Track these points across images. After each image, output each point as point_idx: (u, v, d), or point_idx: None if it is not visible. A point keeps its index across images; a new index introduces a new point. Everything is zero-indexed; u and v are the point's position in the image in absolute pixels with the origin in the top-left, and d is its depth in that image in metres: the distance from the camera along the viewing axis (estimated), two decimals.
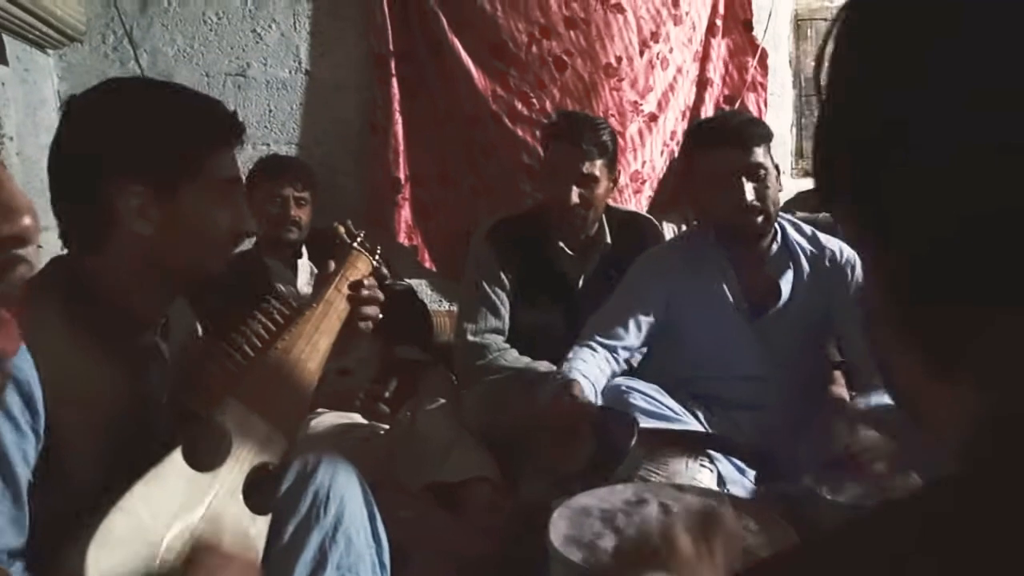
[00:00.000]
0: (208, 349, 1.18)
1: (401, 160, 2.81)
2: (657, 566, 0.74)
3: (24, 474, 0.92)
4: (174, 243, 1.09)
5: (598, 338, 1.89)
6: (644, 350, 2.02)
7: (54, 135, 1.11)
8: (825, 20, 3.17)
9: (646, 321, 1.93)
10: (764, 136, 1.84)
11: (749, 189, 1.81)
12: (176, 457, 1.01)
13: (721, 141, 1.85)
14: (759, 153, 1.81)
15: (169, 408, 1.10)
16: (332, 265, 1.40)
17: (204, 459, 1.03)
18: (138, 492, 0.95)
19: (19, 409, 0.92)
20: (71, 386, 0.98)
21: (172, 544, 0.95)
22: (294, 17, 2.82)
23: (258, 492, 1.08)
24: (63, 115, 1.12)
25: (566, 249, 2.21)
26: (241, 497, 1.06)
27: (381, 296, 1.40)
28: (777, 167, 1.87)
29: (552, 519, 1.12)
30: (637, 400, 1.77)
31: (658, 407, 1.79)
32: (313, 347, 1.26)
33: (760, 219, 1.84)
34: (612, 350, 1.88)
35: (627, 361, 1.95)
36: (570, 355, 1.84)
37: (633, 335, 1.91)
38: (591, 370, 1.78)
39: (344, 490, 1.16)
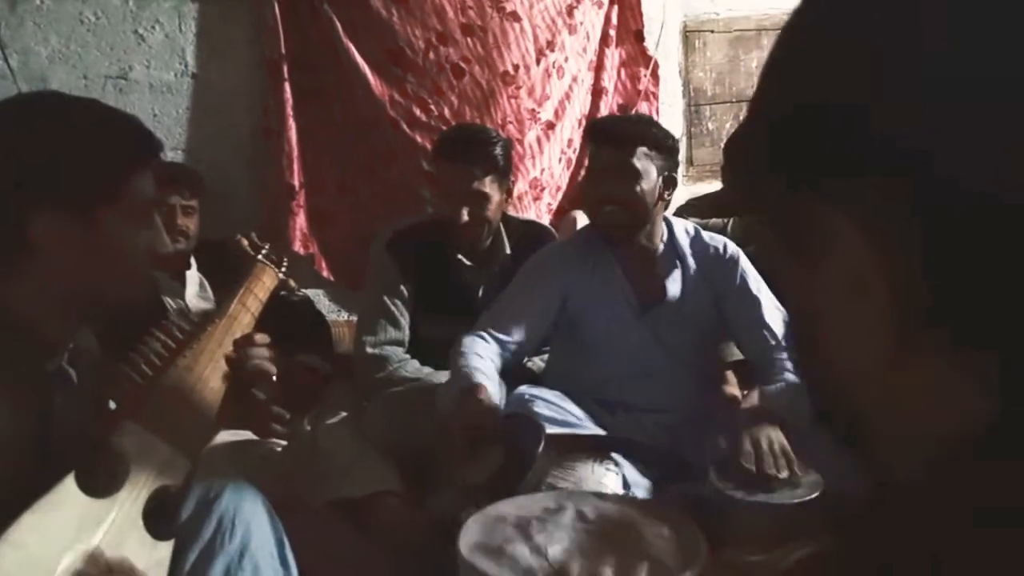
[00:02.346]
0: (104, 369, 1.12)
1: (295, 167, 2.74)
2: None
3: None
4: (89, 268, 1.04)
5: (491, 331, 1.89)
6: (537, 343, 2.02)
7: None
8: (712, 32, 3.29)
9: (540, 314, 1.95)
10: (639, 137, 1.88)
11: (611, 186, 1.86)
12: (68, 484, 0.95)
13: (594, 139, 1.96)
14: (629, 152, 1.85)
15: (68, 434, 1.03)
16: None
17: (100, 485, 0.98)
18: (27, 523, 0.89)
19: None
20: None
21: (65, 571, 0.89)
22: (179, 18, 2.70)
23: (159, 517, 1.03)
24: None
25: (465, 260, 2.21)
26: (141, 522, 1.00)
27: (272, 370, 1.28)
28: (664, 169, 1.90)
29: (465, 525, 1.11)
30: (541, 408, 1.79)
31: (561, 413, 1.81)
32: (216, 365, 1.21)
33: (616, 217, 1.88)
34: (503, 344, 1.89)
35: (519, 354, 1.95)
36: (464, 347, 1.82)
37: (526, 328, 1.93)
38: (489, 367, 1.77)
39: (250, 515, 1.12)
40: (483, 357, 1.79)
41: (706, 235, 2.05)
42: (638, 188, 1.85)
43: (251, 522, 1.12)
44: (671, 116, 3.19)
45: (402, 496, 1.88)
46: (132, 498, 1.01)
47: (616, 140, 1.87)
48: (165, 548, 1.03)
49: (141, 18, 2.67)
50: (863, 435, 0.49)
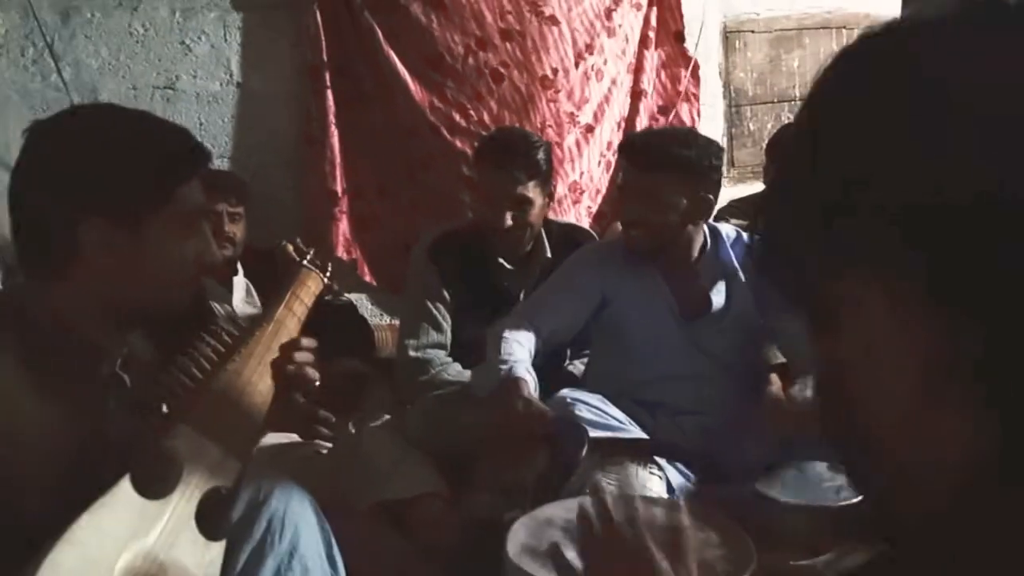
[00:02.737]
0: (157, 374, 1.14)
1: (338, 172, 2.77)
2: None
3: None
4: (137, 276, 1.06)
5: (527, 321, 1.89)
6: (568, 337, 2.02)
7: (15, 162, 1.06)
8: (752, 32, 3.26)
9: (575, 309, 1.95)
10: (668, 161, 1.82)
11: (634, 210, 1.86)
12: (124, 486, 0.98)
13: (623, 156, 1.95)
14: (655, 177, 1.82)
15: (122, 437, 1.06)
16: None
17: (154, 486, 1.00)
18: (85, 522, 0.91)
19: None
20: (25, 419, 0.94)
21: (122, 571, 0.92)
22: (224, 29, 2.76)
23: (211, 517, 1.05)
24: (24, 142, 1.07)
25: (506, 264, 2.22)
26: (194, 523, 1.03)
27: (315, 376, 1.29)
28: (699, 190, 1.85)
29: (512, 528, 1.11)
30: (583, 411, 1.78)
31: (603, 417, 1.80)
32: (264, 369, 1.23)
33: (638, 242, 1.88)
34: (539, 331, 1.89)
35: (550, 345, 1.94)
36: (505, 334, 1.83)
37: (560, 321, 1.93)
38: (526, 358, 1.78)
39: (298, 516, 1.14)
40: (523, 346, 1.80)
41: (748, 238, 2.02)
42: (661, 215, 1.83)
43: (300, 523, 1.14)
44: (712, 117, 3.17)
45: (445, 498, 1.89)
46: (185, 499, 1.03)
47: (642, 163, 1.84)
48: (217, 548, 1.05)
49: (187, 29, 2.73)
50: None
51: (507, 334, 1.83)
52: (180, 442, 1.06)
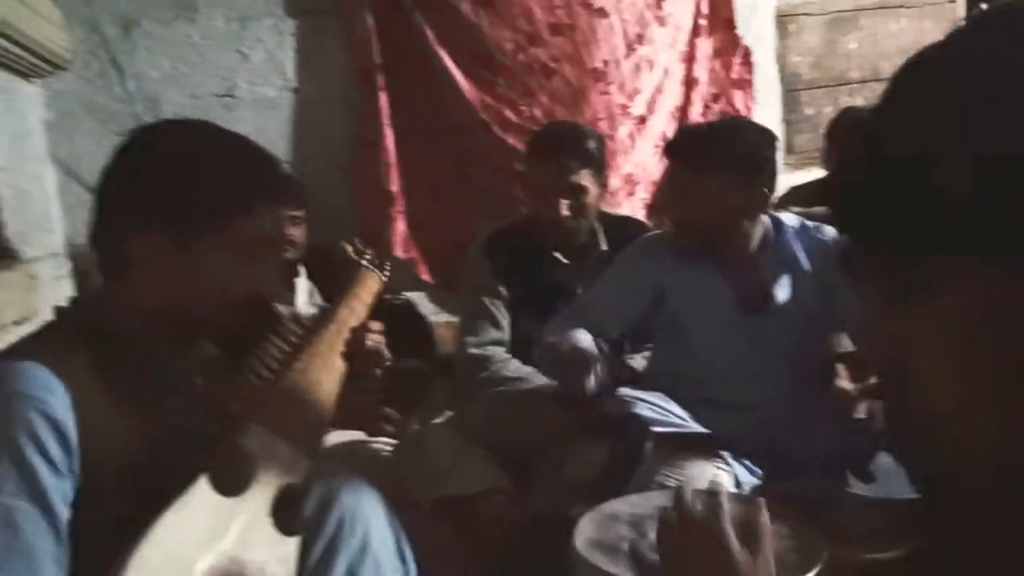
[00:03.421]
0: (226, 375, 1.17)
1: (393, 173, 2.81)
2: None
3: (63, 513, 0.93)
4: (184, 296, 1.06)
5: (580, 316, 1.88)
6: (623, 330, 2.00)
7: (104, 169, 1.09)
8: (807, 15, 3.20)
9: (630, 303, 1.92)
10: (714, 158, 1.76)
11: (681, 209, 1.82)
12: (202, 484, 1.01)
13: (668, 155, 1.87)
14: (701, 176, 1.77)
15: (197, 437, 1.09)
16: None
17: (230, 485, 1.03)
18: (167, 521, 0.94)
19: (56, 449, 0.92)
20: (103, 423, 0.97)
21: (203, 571, 0.95)
22: (279, 35, 2.81)
23: (285, 514, 1.07)
24: (114, 149, 1.09)
25: (561, 258, 2.21)
26: (270, 520, 1.05)
27: (385, 352, 1.35)
28: (751, 186, 1.78)
29: (579, 524, 1.11)
30: (643, 409, 1.77)
31: (664, 414, 1.78)
32: (330, 367, 1.26)
33: (688, 240, 1.84)
34: (594, 328, 1.86)
35: (612, 338, 1.93)
36: (558, 327, 1.82)
37: (615, 316, 1.91)
38: (584, 336, 1.77)
39: (369, 512, 1.16)
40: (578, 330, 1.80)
41: (812, 226, 1.96)
42: (712, 215, 1.77)
43: (371, 519, 1.15)
44: (767, 103, 3.12)
45: (507, 494, 1.90)
46: (260, 496, 1.05)
47: (690, 163, 1.78)
48: (291, 544, 1.08)
49: (244, 38, 2.79)
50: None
51: (560, 328, 1.82)
52: (252, 441, 1.08)
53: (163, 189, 1.04)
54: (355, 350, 1.28)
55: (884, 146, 0.47)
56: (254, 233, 1.07)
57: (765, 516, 0.76)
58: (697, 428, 1.79)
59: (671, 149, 1.87)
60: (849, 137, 2.57)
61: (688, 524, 0.79)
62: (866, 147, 0.49)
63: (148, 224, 1.04)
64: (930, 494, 0.50)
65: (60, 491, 0.93)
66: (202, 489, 1.00)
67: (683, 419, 1.79)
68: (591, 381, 1.60)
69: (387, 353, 1.33)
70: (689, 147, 1.81)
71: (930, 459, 0.48)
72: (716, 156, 1.74)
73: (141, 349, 1.06)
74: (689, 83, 2.96)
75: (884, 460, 1.50)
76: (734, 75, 3.00)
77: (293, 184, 2.56)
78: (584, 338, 1.74)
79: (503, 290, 2.24)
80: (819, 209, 2.54)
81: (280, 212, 1.14)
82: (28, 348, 1.01)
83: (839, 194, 0.52)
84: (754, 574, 0.75)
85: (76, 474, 0.95)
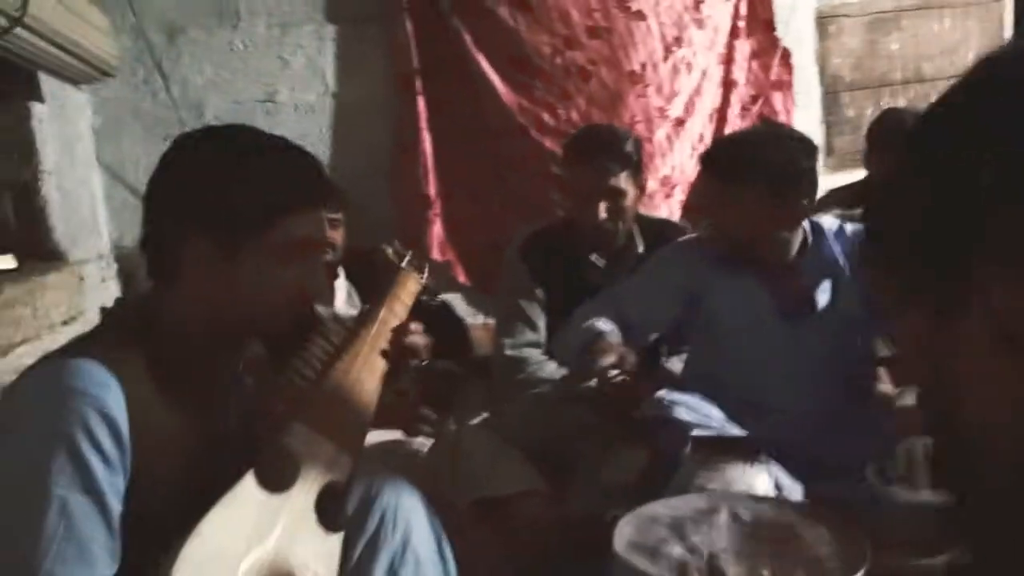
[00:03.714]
0: (271, 375, 1.19)
1: (431, 177, 2.83)
2: None
3: (116, 507, 0.95)
4: (230, 300, 1.07)
5: (610, 308, 1.88)
6: (651, 332, 1.99)
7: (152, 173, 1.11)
8: (847, 16, 3.16)
9: (662, 303, 1.91)
10: (749, 171, 1.72)
11: (716, 219, 1.81)
12: (248, 481, 1.03)
13: (703, 167, 1.86)
14: (734, 189, 1.75)
15: (244, 436, 1.11)
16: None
17: (275, 482, 1.04)
18: (214, 517, 0.96)
19: (110, 446, 0.95)
20: (154, 420, 1.00)
21: (250, 567, 0.97)
22: (319, 41, 2.85)
23: (328, 510, 1.09)
24: (162, 155, 1.11)
25: (598, 260, 2.21)
26: (313, 516, 1.07)
27: (423, 345, 1.37)
28: (788, 196, 1.74)
29: (619, 525, 1.11)
30: (681, 413, 1.76)
31: (703, 418, 1.77)
32: (371, 367, 1.27)
33: (725, 250, 1.82)
34: (621, 320, 1.86)
35: (638, 338, 1.91)
36: (583, 320, 1.82)
37: (646, 313, 1.90)
38: (608, 326, 1.77)
39: (410, 511, 1.17)
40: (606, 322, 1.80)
41: (851, 229, 1.93)
42: (749, 229, 1.75)
43: (411, 517, 1.17)
44: (807, 105, 3.09)
45: (544, 496, 1.89)
46: (304, 493, 1.07)
47: (726, 178, 1.75)
48: (335, 540, 1.09)
49: (285, 44, 2.83)
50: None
51: (589, 315, 1.82)
52: (296, 439, 1.10)
53: (207, 197, 1.06)
54: (394, 349, 1.30)
55: (936, 150, 0.47)
56: (297, 236, 1.08)
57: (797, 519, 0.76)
58: (736, 431, 1.77)
59: (707, 161, 1.84)
60: (893, 140, 2.53)
61: None
62: (916, 150, 0.48)
63: (194, 231, 1.05)
64: (973, 504, 0.49)
65: (113, 485, 0.95)
66: (248, 486, 1.02)
67: (722, 422, 1.78)
68: (601, 358, 1.60)
69: (424, 352, 1.34)
70: (725, 161, 1.77)
71: (976, 470, 0.47)
72: (752, 171, 1.69)
73: (191, 350, 1.08)
74: (727, 85, 2.94)
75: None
76: (773, 77, 2.98)
77: (333, 186, 2.59)
78: (604, 324, 1.73)
79: (539, 292, 2.24)
80: (860, 211, 2.51)
81: (322, 214, 1.14)
82: (83, 346, 1.03)
83: (880, 200, 0.52)
84: None
85: (128, 469, 0.97)
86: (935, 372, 0.48)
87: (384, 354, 1.30)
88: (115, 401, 0.96)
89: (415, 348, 1.32)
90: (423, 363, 1.35)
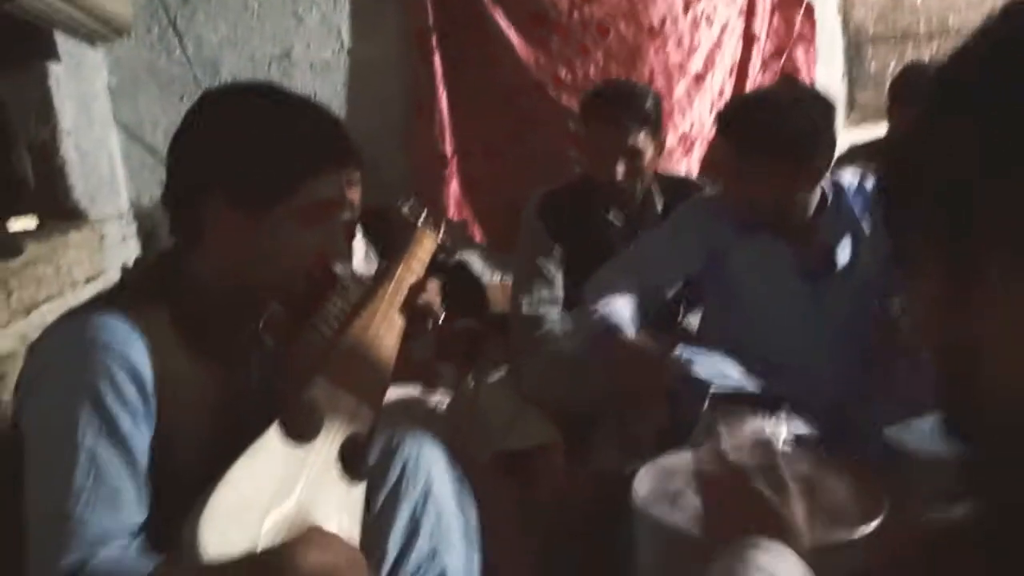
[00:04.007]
0: (293, 331, 1.20)
1: (447, 135, 2.81)
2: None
3: (143, 458, 0.97)
4: (252, 260, 1.07)
5: (627, 272, 1.87)
6: (670, 291, 1.98)
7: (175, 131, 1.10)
8: None
9: (680, 262, 1.90)
10: (772, 141, 1.67)
11: (740, 189, 1.75)
12: (273, 433, 1.04)
13: (723, 135, 1.80)
14: (757, 159, 1.69)
15: (267, 390, 1.13)
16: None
17: (299, 434, 1.06)
18: (241, 467, 0.98)
19: (136, 399, 0.96)
20: (178, 374, 1.01)
21: (275, 516, 0.98)
22: None
23: (351, 461, 1.10)
24: (186, 112, 1.11)
25: (616, 219, 2.20)
26: (336, 467, 1.08)
27: (439, 304, 1.40)
28: (813, 159, 1.71)
29: (637, 477, 1.12)
30: (701, 369, 1.76)
31: (720, 375, 1.77)
32: (389, 323, 1.29)
33: (750, 217, 1.78)
34: (638, 284, 1.85)
35: (649, 296, 1.89)
36: (602, 286, 1.82)
37: (664, 273, 1.89)
38: (621, 304, 1.75)
39: (431, 462, 1.19)
40: (620, 296, 1.78)
41: (871, 185, 1.90)
42: (765, 194, 1.72)
43: (433, 468, 1.18)
44: (829, 59, 3.03)
45: (562, 450, 1.92)
46: (327, 445, 1.09)
47: (741, 145, 1.71)
48: (358, 490, 1.11)
49: (300, 1, 2.81)
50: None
51: (603, 285, 1.81)
52: (319, 392, 1.12)
53: (232, 158, 1.05)
54: (410, 307, 1.32)
55: (956, 104, 0.46)
56: (320, 198, 1.08)
57: (783, 462, 0.78)
58: (754, 387, 1.77)
59: (723, 127, 1.79)
60: (916, 94, 2.48)
61: (724, 474, 0.80)
62: (937, 103, 0.47)
63: (218, 192, 1.05)
64: (988, 462, 0.49)
65: (139, 437, 0.97)
66: (273, 438, 1.04)
67: (740, 378, 1.78)
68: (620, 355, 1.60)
69: (440, 310, 1.36)
70: (741, 128, 1.73)
71: (995, 429, 0.47)
72: (768, 138, 1.66)
73: (213, 307, 1.09)
74: (748, 39, 2.88)
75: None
76: (795, 30, 2.92)
77: (355, 147, 2.58)
78: (623, 311, 1.72)
79: (557, 251, 2.24)
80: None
81: (344, 175, 1.14)
82: (107, 301, 1.05)
83: (898, 155, 0.51)
84: (782, 509, 0.77)
85: (154, 422, 0.99)
86: (952, 333, 0.48)
87: (402, 311, 1.31)
88: (139, 355, 0.98)
89: (431, 306, 1.33)
90: (439, 321, 1.36)
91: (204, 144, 1.08)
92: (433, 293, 1.37)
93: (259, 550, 0.94)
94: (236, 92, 1.15)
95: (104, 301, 1.05)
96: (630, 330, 1.70)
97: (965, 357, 0.47)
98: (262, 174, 1.05)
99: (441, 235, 1.67)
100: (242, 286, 1.10)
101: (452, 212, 2.86)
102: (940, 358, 0.51)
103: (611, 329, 1.67)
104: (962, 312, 0.45)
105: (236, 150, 1.05)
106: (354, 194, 2.50)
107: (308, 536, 0.93)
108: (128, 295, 1.06)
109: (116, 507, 0.94)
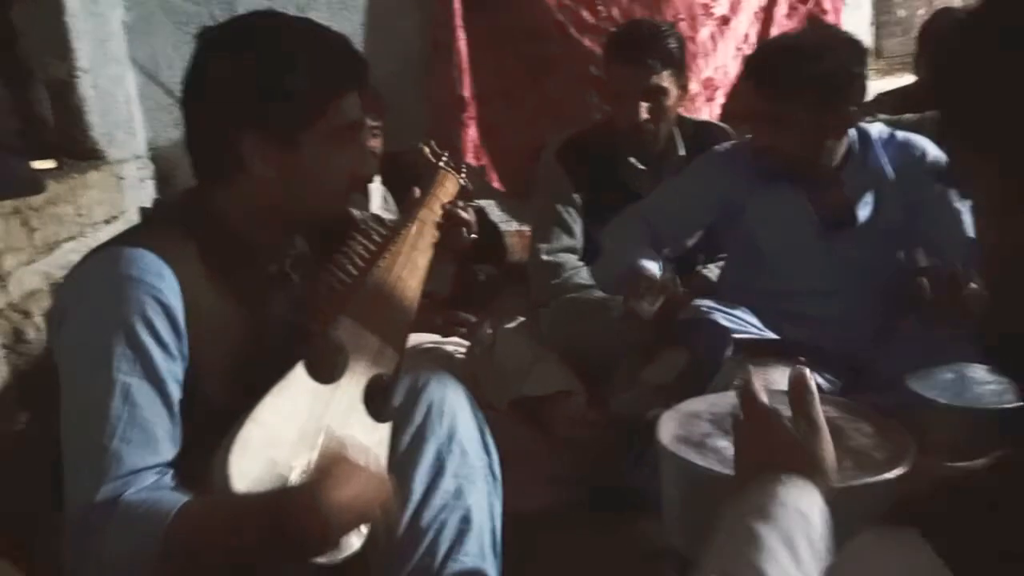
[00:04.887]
0: (317, 270, 1.20)
1: (466, 78, 2.77)
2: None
3: (175, 393, 0.98)
4: (293, 187, 1.09)
5: (645, 219, 1.87)
6: (690, 239, 1.99)
7: (186, 69, 1.09)
8: None
9: (699, 213, 1.89)
10: (801, 81, 1.64)
11: (765, 137, 1.73)
12: (299, 371, 1.05)
13: (749, 79, 1.78)
14: (786, 102, 1.67)
15: (290, 328, 1.13)
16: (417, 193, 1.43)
17: (325, 372, 1.07)
18: (268, 404, 0.99)
19: (167, 333, 0.97)
20: (207, 310, 1.01)
21: (303, 453, 0.99)
22: None
23: (377, 401, 1.11)
24: (196, 49, 1.09)
25: (637, 164, 2.18)
26: (362, 407, 1.09)
27: (471, 217, 1.42)
28: (838, 100, 1.68)
29: (660, 420, 1.12)
30: (719, 319, 1.75)
31: (742, 324, 1.77)
32: (413, 264, 1.29)
33: (774, 165, 1.76)
34: (656, 233, 1.85)
35: (668, 243, 1.91)
36: (619, 230, 1.84)
37: (682, 223, 1.89)
38: (644, 248, 1.77)
39: (455, 403, 1.19)
40: (640, 240, 1.79)
41: (902, 136, 1.85)
42: (796, 140, 1.69)
43: (457, 409, 1.19)
44: (858, 5, 2.96)
45: (581, 396, 1.92)
46: (352, 384, 1.10)
47: (771, 90, 1.67)
48: (384, 429, 1.12)
49: None
50: None
51: (622, 232, 1.81)
52: (344, 332, 1.12)
53: (260, 90, 1.04)
54: (446, 219, 1.38)
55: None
56: (350, 118, 1.10)
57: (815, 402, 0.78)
58: (774, 337, 1.77)
59: (752, 70, 1.76)
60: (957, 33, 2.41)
61: (753, 411, 0.81)
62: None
63: (250, 125, 1.04)
64: None
65: (171, 371, 0.98)
66: (299, 375, 1.05)
67: (760, 329, 1.77)
68: (650, 306, 1.60)
69: (472, 219, 1.41)
70: (771, 70, 1.69)
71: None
72: (800, 80, 1.62)
73: (240, 244, 1.09)
74: None
75: (976, 370, 1.46)
76: None
77: (374, 92, 2.55)
78: (649, 262, 1.72)
79: (577, 197, 2.22)
80: (909, 116, 2.43)
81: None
82: (136, 237, 1.05)
83: (955, 91, 0.50)
84: (811, 447, 0.77)
85: (186, 356, 1.00)
86: (1010, 235, 0.48)
87: (438, 227, 1.36)
88: (170, 289, 0.98)
89: (464, 219, 1.38)
90: (472, 232, 1.40)
91: (227, 80, 1.06)
92: (465, 213, 1.41)
93: (287, 485, 0.96)
94: (251, 21, 1.14)
95: (135, 236, 1.05)
96: (655, 269, 1.69)
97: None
98: (292, 100, 1.05)
99: (463, 178, 1.66)
100: (278, 219, 1.11)
101: (470, 157, 2.83)
102: (995, 265, 0.50)
103: (635, 268, 1.67)
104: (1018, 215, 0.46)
105: (263, 81, 1.05)
106: (376, 142, 2.48)
107: (335, 469, 0.94)
108: (157, 231, 1.06)
109: (149, 441, 0.96)
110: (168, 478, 0.97)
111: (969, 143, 0.49)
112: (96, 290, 0.99)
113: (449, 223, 1.39)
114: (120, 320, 0.96)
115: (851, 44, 1.71)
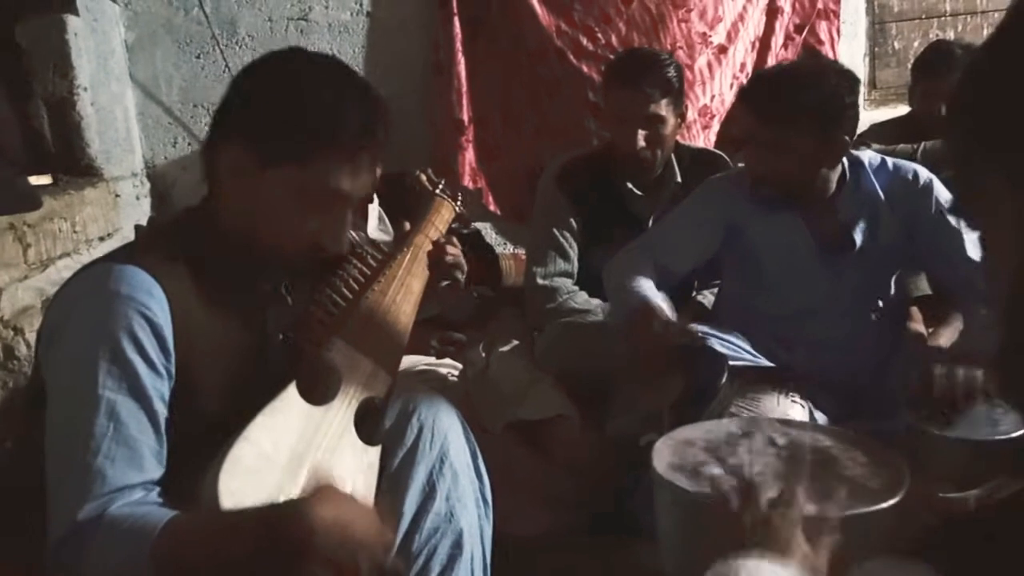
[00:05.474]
0: (312, 292, 1.20)
1: (464, 101, 2.78)
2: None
3: (162, 411, 0.97)
4: (250, 218, 1.06)
5: (647, 253, 1.86)
6: (691, 269, 1.98)
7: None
8: None
9: (700, 244, 1.89)
10: (796, 110, 1.66)
11: (762, 163, 1.74)
12: (291, 392, 1.04)
13: (744, 105, 1.79)
14: (781, 130, 1.69)
15: (284, 349, 1.12)
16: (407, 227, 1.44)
17: (317, 394, 1.06)
18: (260, 423, 0.98)
19: (154, 351, 0.96)
20: (198, 328, 1.01)
21: (292, 474, 0.98)
22: None
23: (368, 424, 1.10)
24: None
25: (634, 189, 2.18)
26: (353, 429, 1.08)
27: (460, 256, 1.43)
28: (833, 129, 1.69)
29: (655, 448, 1.12)
30: (715, 344, 1.75)
31: (737, 351, 1.77)
32: (407, 289, 1.29)
33: (770, 194, 1.77)
34: (659, 266, 1.85)
35: (672, 276, 1.90)
36: (622, 267, 1.82)
37: (684, 254, 1.89)
38: (651, 286, 1.76)
39: (447, 427, 1.19)
40: (646, 277, 1.78)
41: (892, 163, 1.88)
42: (791, 168, 1.70)
43: (448, 433, 1.18)
44: (853, 35, 2.98)
45: (576, 420, 1.91)
46: (344, 406, 1.09)
47: (766, 116, 1.69)
48: (374, 452, 1.11)
49: None
50: None
51: (628, 267, 1.81)
52: (337, 354, 1.12)
53: (255, 107, 1.05)
54: (434, 263, 1.36)
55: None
56: (323, 181, 1.04)
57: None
58: (769, 365, 1.77)
59: (747, 99, 1.78)
60: (940, 74, 2.43)
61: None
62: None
63: (236, 135, 1.04)
64: None
65: (158, 389, 0.97)
66: (292, 397, 1.04)
67: (755, 356, 1.77)
68: (659, 335, 1.60)
69: (464, 264, 1.40)
70: (766, 99, 1.71)
71: None
72: (793, 108, 1.65)
73: (232, 263, 1.09)
74: (772, 12, 2.83)
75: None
76: (820, 5, 2.86)
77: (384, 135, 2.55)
78: (660, 300, 1.73)
79: (574, 222, 2.22)
80: (903, 147, 2.45)
81: (362, 162, 1.08)
82: (127, 254, 1.04)
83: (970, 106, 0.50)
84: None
85: (173, 375, 0.99)
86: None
87: (429, 264, 1.35)
88: (159, 306, 0.97)
89: (456, 263, 1.37)
90: (465, 273, 1.39)
91: (235, 96, 1.08)
92: (455, 251, 1.40)
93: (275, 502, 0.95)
94: (284, 55, 1.13)
95: (126, 253, 1.05)
96: (666, 308, 1.69)
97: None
98: (282, 127, 1.02)
99: (459, 205, 1.67)
100: (252, 242, 1.08)
101: (467, 180, 2.84)
102: (1008, 304, 0.50)
103: (647, 306, 1.67)
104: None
105: (262, 101, 1.05)
106: (370, 177, 2.47)
107: (323, 492, 0.93)
108: (149, 248, 1.05)
109: (134, 459, 0.95)
110: (154, 495, 0.96)
111: (992, 163, 0.48)
112: (84, 306, 0.98)
113: (440, 268, 1.39)
114: (107, 336, 0.95)
115: (844, 75, 1.74)
